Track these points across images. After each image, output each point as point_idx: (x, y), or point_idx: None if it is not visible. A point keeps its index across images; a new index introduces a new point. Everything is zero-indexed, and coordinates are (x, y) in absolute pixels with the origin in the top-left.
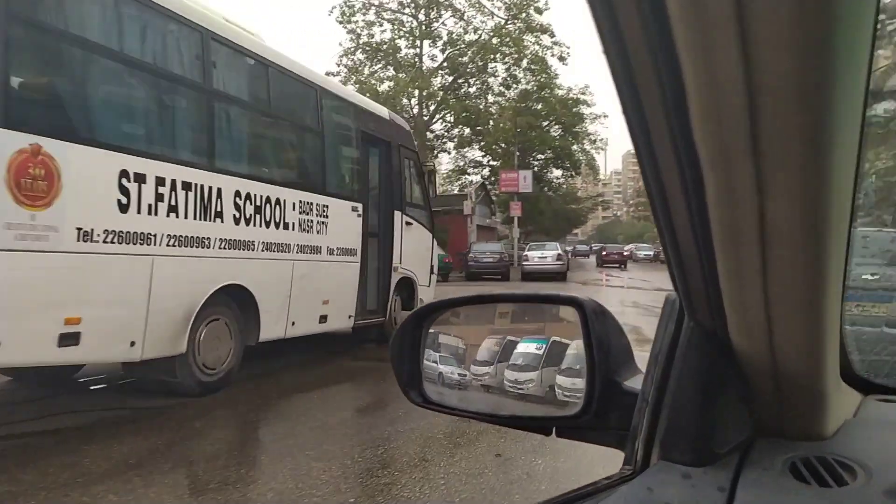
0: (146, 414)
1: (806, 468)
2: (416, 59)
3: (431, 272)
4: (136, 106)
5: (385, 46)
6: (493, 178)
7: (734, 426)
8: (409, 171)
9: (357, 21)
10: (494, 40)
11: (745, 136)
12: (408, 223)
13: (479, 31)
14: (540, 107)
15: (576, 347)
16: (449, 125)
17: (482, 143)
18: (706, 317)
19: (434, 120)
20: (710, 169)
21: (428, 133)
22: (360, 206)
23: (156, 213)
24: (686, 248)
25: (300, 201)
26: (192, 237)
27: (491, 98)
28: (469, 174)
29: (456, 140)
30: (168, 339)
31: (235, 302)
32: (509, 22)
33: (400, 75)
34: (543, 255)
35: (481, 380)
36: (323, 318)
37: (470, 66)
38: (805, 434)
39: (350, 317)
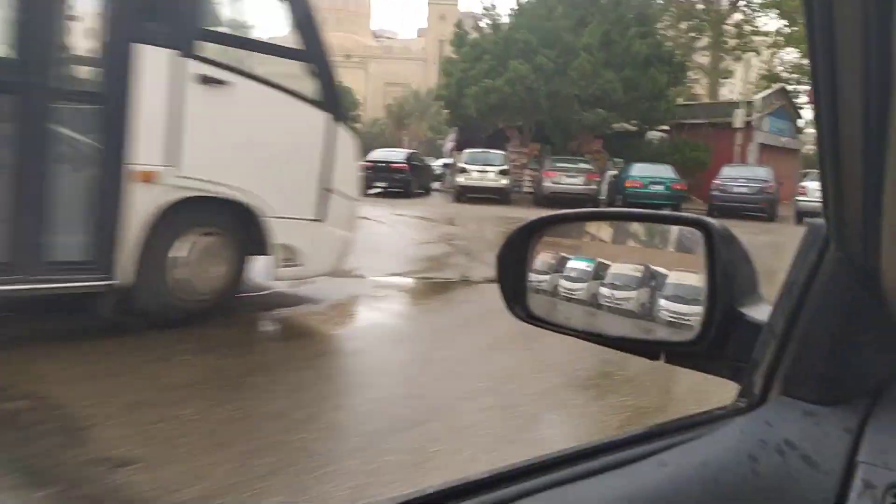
0: None
1: None
2: None
3: (326, 192)
4: None
5: None
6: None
7: (868, 368)
8: None
9: None
10: None
11: None
12: (210, 80)
13: None
14: None
15: (676, 278)
16: (752, 13)
17: (792, 33)
18: (856, 248)
19: (737, 6)
20: None
21: (727, 26)
22: None
23: None
24: (850, 164)
25: None
26: None
27: None
28: (787, 83)
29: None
30: None
31: None
32: None
33: None
34: None
35: (575, 294)
36: None
37: None
38: None
39: None
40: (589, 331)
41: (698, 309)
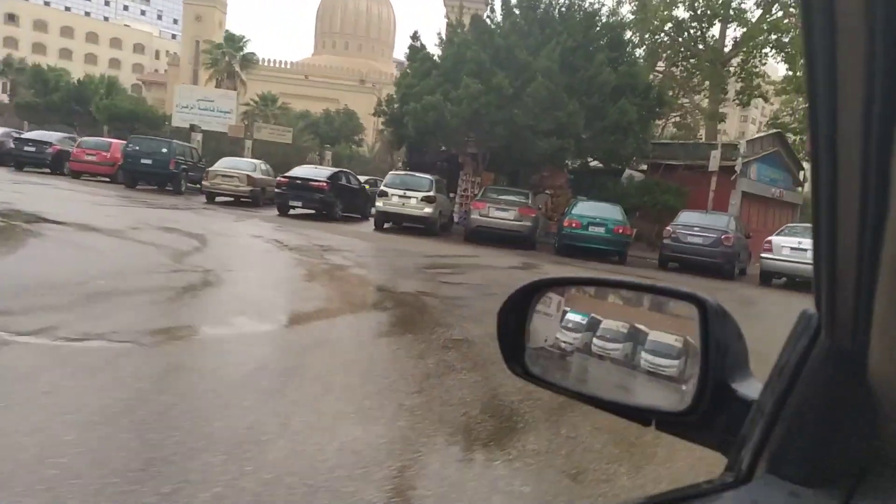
0: None
1: None
2: None
3: None
4: None
5: None
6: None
7: (851, 452)
8: None
9: None
10: None
11: None
12: None
13: None
14: None
15: (656, 336)
16: (753, 55)
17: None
18: (846, 336)
19: (739, 49)
20: None
21: (731, 68)
22: None
23: None
24: (845, 262)
25: None
26: None
27: None
28: (793, 132)
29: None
30: None
31: None
32: None
33: None
34: (802, 242)
35: (572, 343)
36: None
37: None
38: None
39: None
40: (583, 392)
41: (674, 362)
